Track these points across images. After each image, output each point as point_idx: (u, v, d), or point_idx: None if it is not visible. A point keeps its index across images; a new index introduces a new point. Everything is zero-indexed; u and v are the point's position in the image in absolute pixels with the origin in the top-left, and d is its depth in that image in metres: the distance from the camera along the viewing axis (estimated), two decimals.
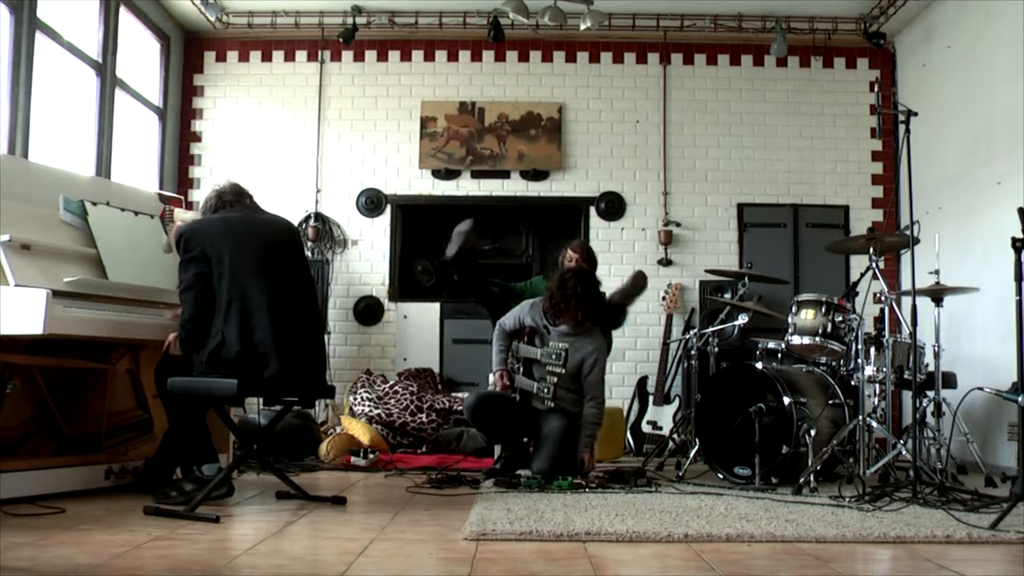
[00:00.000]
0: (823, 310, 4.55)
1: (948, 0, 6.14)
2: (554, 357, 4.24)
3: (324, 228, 6.80)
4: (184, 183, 6.88)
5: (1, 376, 3.45)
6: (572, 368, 4.25)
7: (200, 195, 6.54)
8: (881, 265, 4.54)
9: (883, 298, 4.41)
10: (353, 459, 4.92)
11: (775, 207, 6.85)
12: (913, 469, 3.83)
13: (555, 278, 4.31)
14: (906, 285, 5.07)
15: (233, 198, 3.66)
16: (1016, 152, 5.20)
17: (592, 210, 6.89)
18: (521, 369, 4.42)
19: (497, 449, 4.71)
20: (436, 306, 6.80)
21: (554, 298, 4.23)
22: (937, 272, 4.59)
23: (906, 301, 4.17)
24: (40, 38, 5.10)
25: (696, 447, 4.66)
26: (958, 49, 6.00)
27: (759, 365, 4.52)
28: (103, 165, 5.85)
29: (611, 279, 6.78)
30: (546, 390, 4.23)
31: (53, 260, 3.55)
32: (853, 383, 4.52)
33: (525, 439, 4.45)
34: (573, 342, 4.26)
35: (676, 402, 6.25)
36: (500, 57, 7.00)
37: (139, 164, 6.52)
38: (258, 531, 2.96)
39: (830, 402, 4.50)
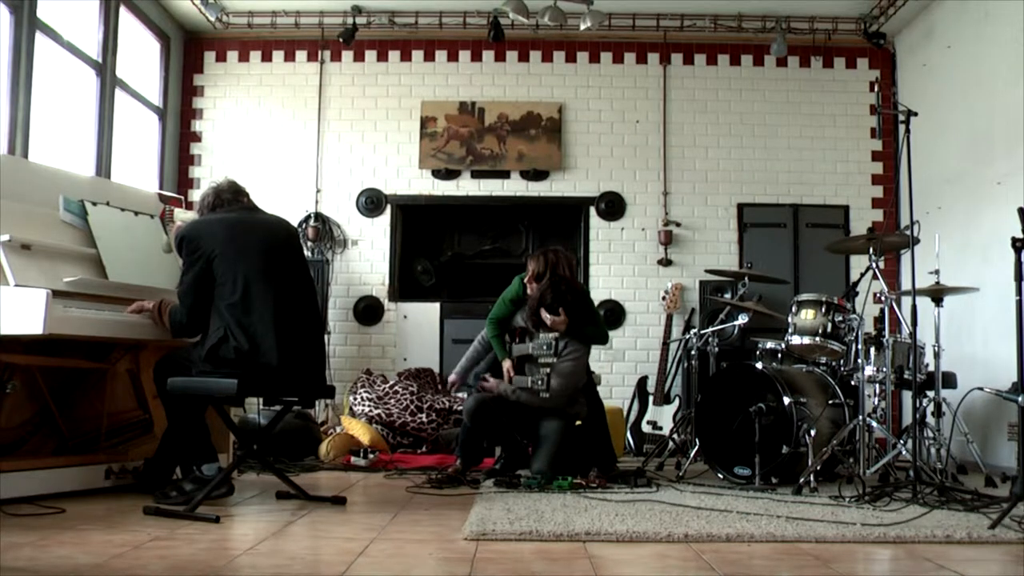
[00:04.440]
0: (823, 310, 4.55)
1: (948, 0, 6.14)
2: (546, 348, 4.26)
3: (324, 228, 6.80)
4: (184, 183, 6.88)
5: (1, 376, 3.45)
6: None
7: (199, 195, 6.54)
8: (881, 265, 4.54)
9: (883, 298, 4.41)
10: (353, 459, 4.92)
11: (775, 207, 6.86)
12: (913, 469, 3.83)
13: (535, 290, 4.37)
14: (906, 285, 5.07)
15: (231, 196, 3.66)
16: (1016, 152, 5.20)
17: (592, 210, 6.89)
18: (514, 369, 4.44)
19: (497, 449, 4.71)
20: (436, 306, 6.80)
21: (531, 307, 4.36)
22: (937, 272, 4.59)
23: (906, 301, 4.16)
24: (40, 38, 5.10)
25: (696, 447, 4.66)
26: (958, 49, 6.00)
27: (759, 365, 4.52)
28: (103, 165, 5.85)
29: (611, 279, 6.83)
30: (540, 382, 4.23)
31: (53, 260, 3.54)
32: (853, 383, 4.51)
33: (524, 441, 4.46)
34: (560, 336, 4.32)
35: (676, 402, 6.25)
36: (500, 57, 7.00)
37: (139, 164, 6.52)
38: (258, 531, 2.96)
39: (830, 402, 4.50)
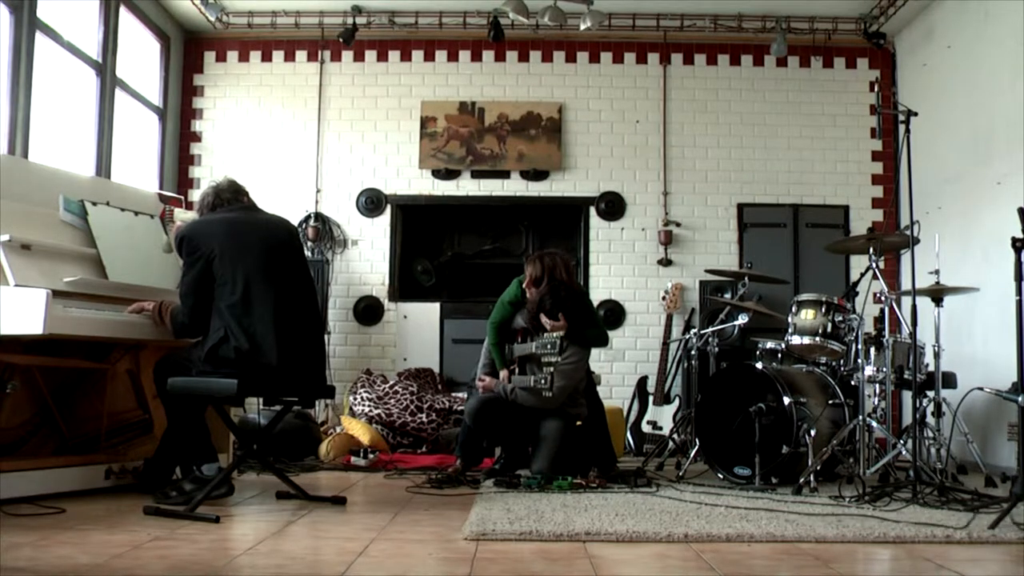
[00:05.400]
0: (823, 310, 4.55)
1: (948, 0, 6.14)
2: (549, 347, 4.26)
3: (324, 228, 6.80)
4: (184, 183, 6.88)
5: (1, 376, 3.45)
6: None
7: (199, 194, 6.54)
8: (881, 265, 4.54)
9: (883, 298, 4.41)
10: (353, 459, 4.92)
11: (775, 207, 6.86)
12: (913, 469, 3.83)
13: (534, 294, 4.39)
14: (906, 285, 5.07)
15: (231, 196, 3.66)
16: (1016, 152, 5.20)
17: (592, 210, 6.89)
18: (516, 369, 4.44)
19: (497, 449, 4.71)
20: (436, 306, 6.81)
21: (531, 311, 4.38)
22: (937, 272, 4.59)
23: (906, 301, 4.16)
24: (40, 38, 5.09)
25: (696, 447, 4.66)
26: (958, 49, 6.00)
27: (759, 365, 4.52)
28: (103, 165, 5.85)
29: (611, 279, 6.83)
30: (544, 380, 4.20)
31: (53, 260, 3.54)
32: (853, 383, 4.52)
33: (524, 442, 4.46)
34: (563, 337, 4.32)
35: (676, 402, 6.25)
36: (500, 57, 7.00)
37: (139, 164, 6.52)
38: (258, 531, 2.96)
39: (830, 402, 4.50)
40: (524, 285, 4.49)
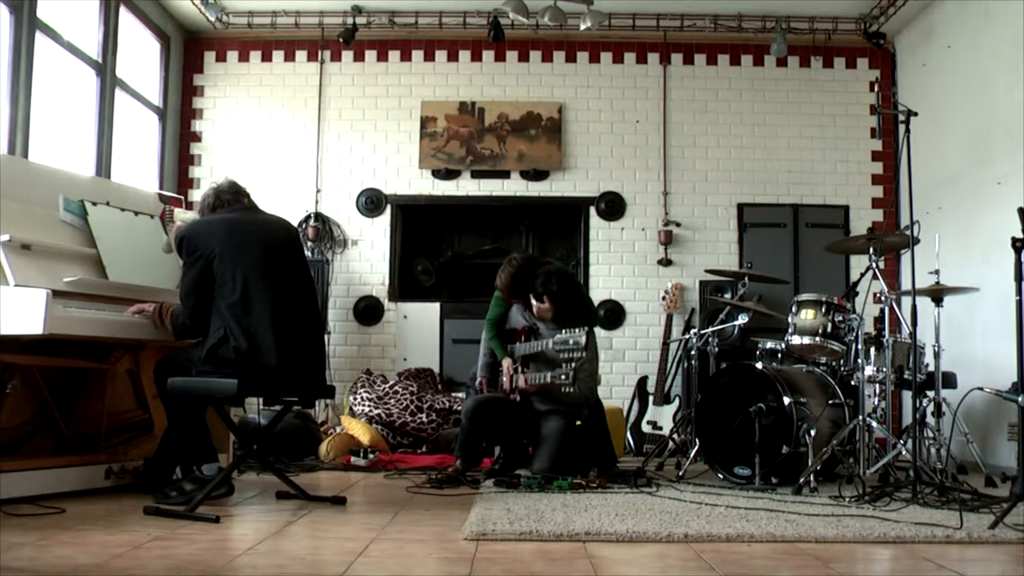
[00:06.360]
0: (823, 310, 4.55)
1: (948, 0, 6.14)
2: (572, 343, 4.09)
3: (324, 228, 6.80)
4: (184, 183, 6.88)
5: (1, 376, 3.45)
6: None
7: (200, 195, 6.54)
8: (881, 265, 4.54)
9: (883, 298, 4.41)
10: (353, 459, 4.92)
11: (775, 207, 6.86)
12: (913, 469, 3.83)
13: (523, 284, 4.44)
14: (906, 285, 5.07)
15: (231, 197, 3.66)
16: (1016, 152, 5.20)
17: (592, 210, 6.89)
18: (520, 368, 4.42)
19: (496, 449, 4.71)
20: (436, 306, 6.81)
21: (516, 291, 4.43)
22: (937, 272, 4.59)
23: (906, 301, 4.16)
24: (40, 38, 5.10)
25: (696, 447, 4.66)
26: (958, 49, 6.00)
27: (759, 365, 4.52)
28: (103, 165, 5.85)
29: (611, 279, 6.83)
30: (564, 376, 4.09)
31: (53, 260, 3.54)
32: (853, 383, 4.52)
33: (524, 441, 4.46)
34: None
35: (676, 402, 6.25)
36: (500, 57, 7.00)
37: (139, 164, 6.52)
38: (258, 531, 2.96)
39: (830, 402, 4.50)
40: (513, 302, 4.52)
